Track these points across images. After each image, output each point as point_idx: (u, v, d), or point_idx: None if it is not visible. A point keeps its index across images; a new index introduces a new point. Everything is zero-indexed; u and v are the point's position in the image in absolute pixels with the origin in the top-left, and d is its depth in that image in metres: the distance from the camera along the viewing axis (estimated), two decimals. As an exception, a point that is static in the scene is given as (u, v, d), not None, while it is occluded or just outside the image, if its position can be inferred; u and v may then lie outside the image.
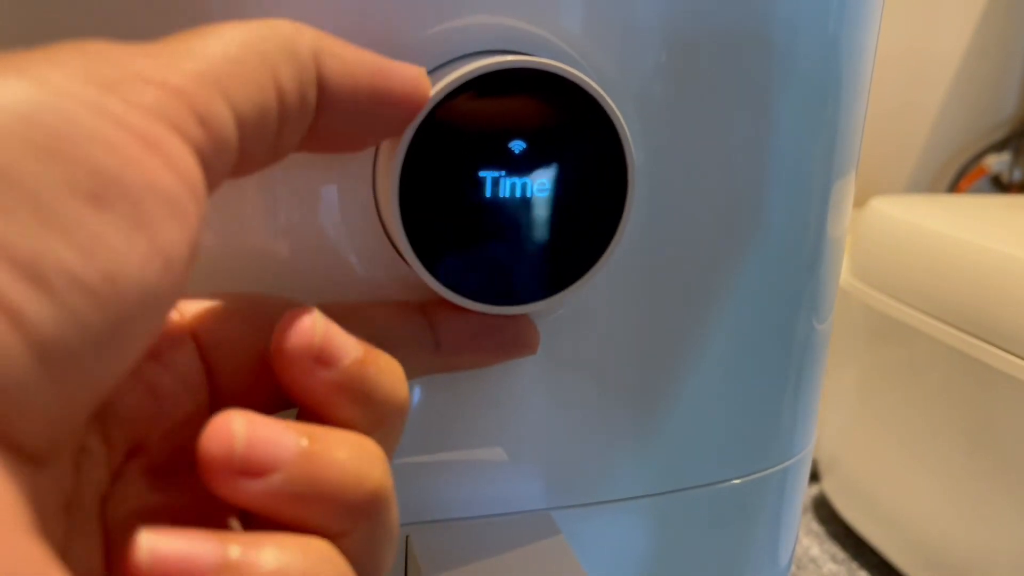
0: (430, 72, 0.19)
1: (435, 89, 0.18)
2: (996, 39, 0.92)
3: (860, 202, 0.60)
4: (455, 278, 0.19)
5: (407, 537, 0.23)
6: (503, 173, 0.19)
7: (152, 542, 0.12)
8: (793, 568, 0.61)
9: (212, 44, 0.14)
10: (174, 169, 0.12)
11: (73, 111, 0.11)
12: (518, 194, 0.19)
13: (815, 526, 0.60)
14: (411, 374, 0.17)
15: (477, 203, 0.19)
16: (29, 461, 0.11)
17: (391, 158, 0.18)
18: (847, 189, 0.27)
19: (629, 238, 0.23)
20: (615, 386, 0.25)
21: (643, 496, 0.26)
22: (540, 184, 0.19)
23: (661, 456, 0.26)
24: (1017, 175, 0.95)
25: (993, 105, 0.94)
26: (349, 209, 0.20)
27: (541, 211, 0.19)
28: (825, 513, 0.61)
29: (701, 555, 0.28)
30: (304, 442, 0.14)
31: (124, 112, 0.12)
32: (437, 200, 0.18)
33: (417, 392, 0.22)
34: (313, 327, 0.15)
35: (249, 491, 0.13)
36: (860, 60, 0.26)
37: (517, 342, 0.21)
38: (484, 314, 0.20)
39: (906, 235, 0.51)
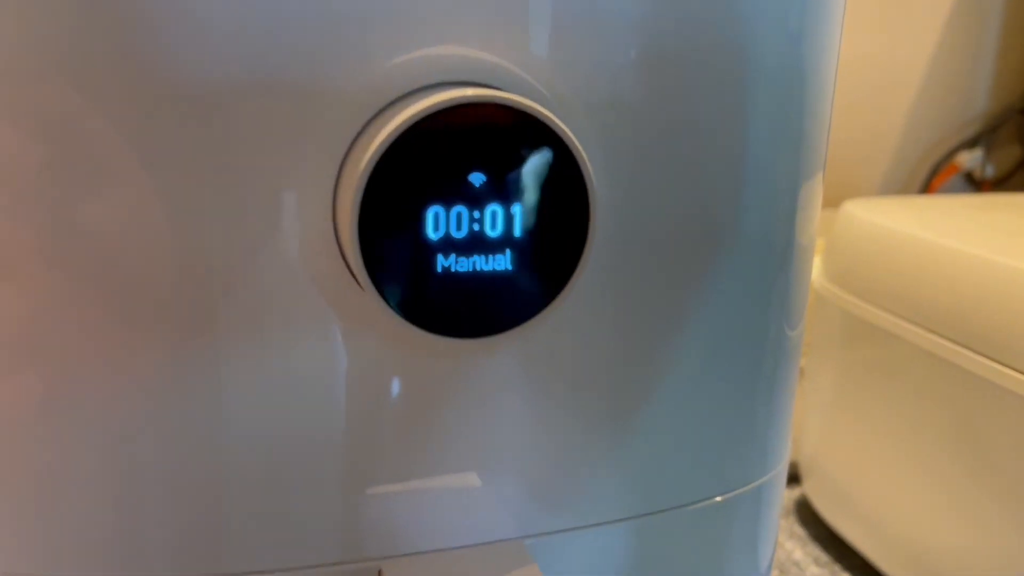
0: (392, 103, 0.19)
1: (395, 122, 0.18)
2: (966, 34, 0.93)
3: (834, 204, 0.60)
4: (411, 308, 0.19)
5: (379, 572, 0.22)
6: (462, 206, 0.19)
7: None
8: (776, 572, 0.61)
9: None
10: None
11: None
12: (476, 227, 0.19)
13: (797, 529, 0.60)
14: None
15: (435, 234, 0.19)
16: None
17: (351, 189, 0.18)
18: (815, 191, 0.27)
19: (598, 258, 0.22)
20: (591, 409, 0.24)
21: (621, 520, 0.26)
22: (500, 216, 0.19)
23: (640, 477, 0.26)
24: (989, 171, 0.96)
25: (964, 102, 0.95)
26: (308, 232, 0.20)
27: (500, 243, 0.19)
28: (807, 516, 0.62)
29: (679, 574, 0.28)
30: None
31: None
32: (395, 231, 0.18)
33: (387, 420, 0.22)
34: None
35: None
36: (824, 58, 0.26)
37: None
38: None
39: (880, 238, 0.52)
